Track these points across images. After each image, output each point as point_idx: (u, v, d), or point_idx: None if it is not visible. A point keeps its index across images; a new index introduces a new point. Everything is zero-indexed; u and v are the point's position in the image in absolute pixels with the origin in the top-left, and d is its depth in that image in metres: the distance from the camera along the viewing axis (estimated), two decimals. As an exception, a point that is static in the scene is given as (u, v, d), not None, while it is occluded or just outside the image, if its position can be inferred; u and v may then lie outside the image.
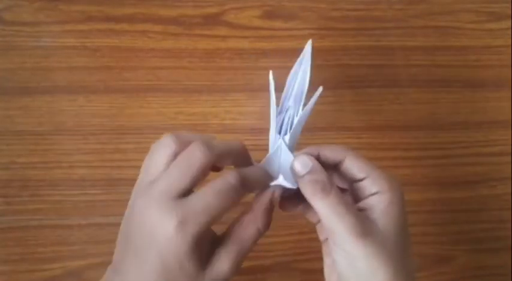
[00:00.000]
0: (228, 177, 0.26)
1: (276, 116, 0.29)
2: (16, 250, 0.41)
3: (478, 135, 0.47)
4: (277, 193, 0.29)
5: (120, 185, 0.43)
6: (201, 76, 0.44)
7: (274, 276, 0.42)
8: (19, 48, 0.43)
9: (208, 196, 0.25)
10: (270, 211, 0.28)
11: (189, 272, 0.25)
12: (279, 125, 0.30)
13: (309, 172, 0.27)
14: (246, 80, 0.45)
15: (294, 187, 0.28)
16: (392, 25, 0.47)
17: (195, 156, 0.25)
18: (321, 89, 0.30)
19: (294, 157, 0.28)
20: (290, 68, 0.46)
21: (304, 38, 0.47)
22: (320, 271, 0.31)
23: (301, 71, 0.31)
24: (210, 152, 0.25)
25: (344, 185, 0.31)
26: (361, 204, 0.28)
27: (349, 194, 0.30)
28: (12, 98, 0.43)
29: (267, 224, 0.28)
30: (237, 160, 0.29)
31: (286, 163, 0.29)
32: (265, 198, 0.28)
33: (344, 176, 0.29)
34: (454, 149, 0.46)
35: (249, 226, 0.28)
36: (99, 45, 0.44)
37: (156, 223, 0.24)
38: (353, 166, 0.28)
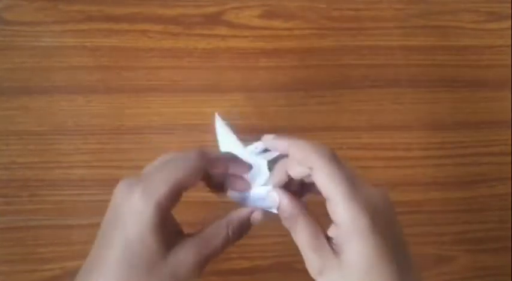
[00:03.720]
0: (188, 152, 0.27)
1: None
2: (16, 250, 0.41)
3: (478, 135, 0.47)
4: (258, 213, 0.29)
5: (120, 185, 0.43)
6: (201, 76, 0.44)
7: (274, 276, 0.42)
8: (19, 48, 0.43)
9: (168, 167, 0.26)
10: (244, 222, 0.28)
11: (150, 249, 0.24)
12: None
13: (278, 209, 0.28)
14: (246, 80, 0.45)
15: (275, 211, 0.29)
16: (392, 25, 0.47)
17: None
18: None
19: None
20: (290, 68, 0.46)
21: (304, 38, 0.47)
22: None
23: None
24: (203, 155, 0.27)
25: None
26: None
27: None
28: (12, 98, 0.43)
29: (238, 233, 0.28)
30: (232, 166, 0.29)
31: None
32: (244, 210, 0.29)
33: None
34: (454, 149, 0.46)
35: (220, 227, 0.27)
36: (99, 45, 0.44)
37: (121, 201, 0.25)
38: (316, 182, 0.26)
